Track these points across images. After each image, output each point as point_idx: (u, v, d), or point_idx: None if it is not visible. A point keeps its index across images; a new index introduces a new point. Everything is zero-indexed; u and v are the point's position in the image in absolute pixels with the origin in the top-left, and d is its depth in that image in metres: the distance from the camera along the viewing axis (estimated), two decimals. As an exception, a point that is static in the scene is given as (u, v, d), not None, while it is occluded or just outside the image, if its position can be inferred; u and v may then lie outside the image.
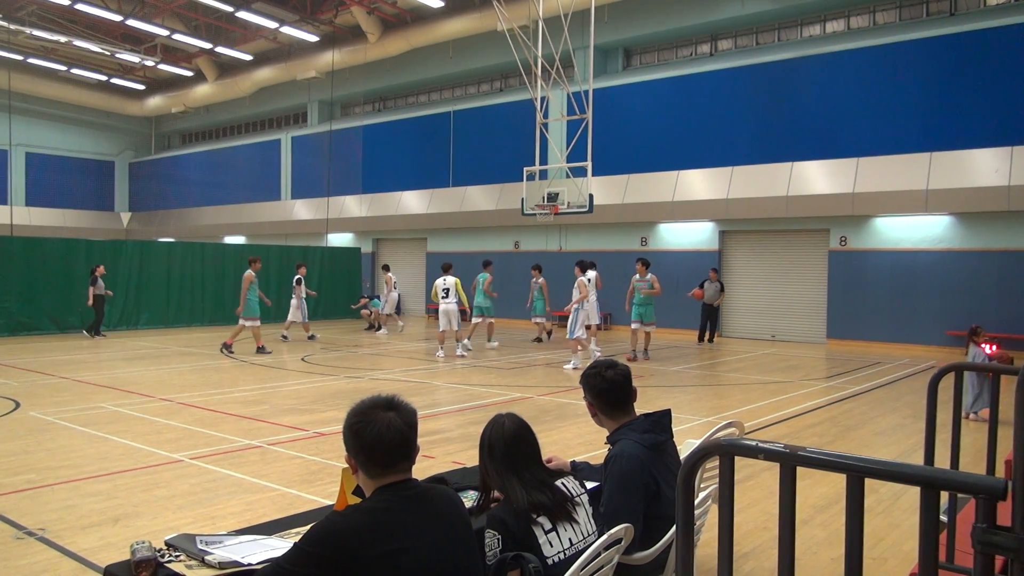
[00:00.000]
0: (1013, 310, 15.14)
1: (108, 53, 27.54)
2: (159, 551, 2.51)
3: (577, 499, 2.77)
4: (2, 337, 16.63)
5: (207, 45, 26.40)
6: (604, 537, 2.52)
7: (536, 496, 2.63)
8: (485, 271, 16.46)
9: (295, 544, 2.06)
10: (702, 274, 17.98)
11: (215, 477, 5.96)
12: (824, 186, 17.14)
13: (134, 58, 28.10)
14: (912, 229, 16.56)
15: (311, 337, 17.17)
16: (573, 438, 7.47)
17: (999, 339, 13.74)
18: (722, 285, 17.71)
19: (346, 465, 2.27)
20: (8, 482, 5.75)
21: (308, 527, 2.13)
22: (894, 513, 5.27)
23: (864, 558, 1.58)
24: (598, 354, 13.01)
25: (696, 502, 2.08)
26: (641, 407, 3.20)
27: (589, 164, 15.36)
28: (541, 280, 16.87)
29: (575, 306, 13.15)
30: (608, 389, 3.15)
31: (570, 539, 2.64)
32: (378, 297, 20.14)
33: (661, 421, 3.14)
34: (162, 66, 29.27)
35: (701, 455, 1.70)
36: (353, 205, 26.86)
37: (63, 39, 25.60)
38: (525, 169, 16.64)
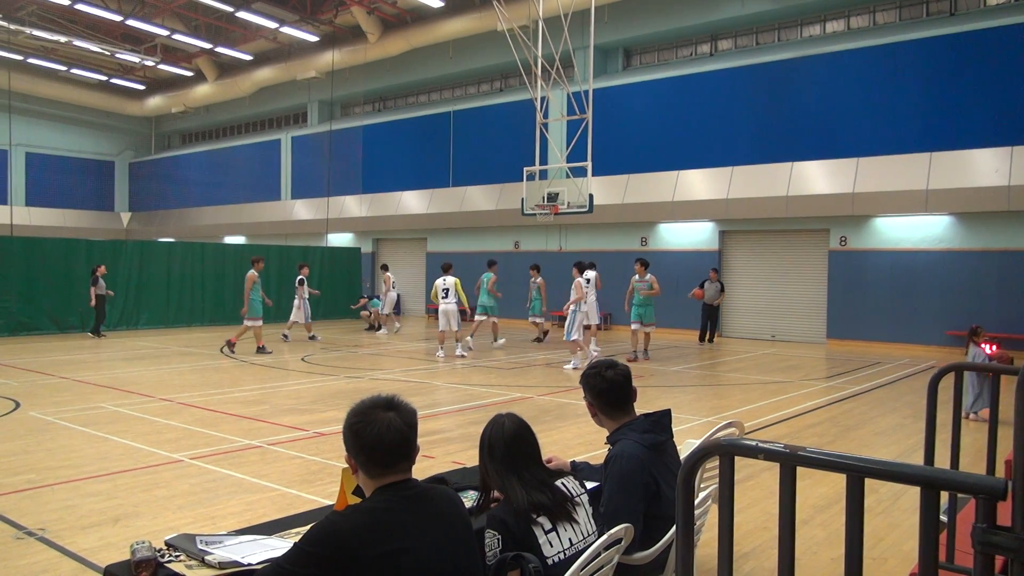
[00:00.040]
0: (1013, 310, 15.14)
1: (108, 53, 27.54)
2: (159, 551, 2.51)
3: (577, 499, 2.77)
4: (2, 337, 16.63)
5: (207, 45, 26.41)
6: (604, 537, 2.51)
7: (536, 496, 2.63)
8: (489, 271, 16.53)
9: (295, 544, 2.06)
10: (702, 274, 17.98)
11: (215, 477, 5.96)
12: (824, 186, 17.15)
13: (134, 58, 28.10)
14: (912, 229, 16.57)
15: (312, 337, 17.17)
16: (573, 438, 7.47)
17: (999, 339, 13.74)
18: (722, 285, 17.71)
19: (346, 465, 2.27)
20: (8, 482, 5.75)
21: (308, 527, 2.13)
22: (894, 513, 5.27)
23: (864, 558, 1.58)
24: (594, 355, 13.00)
25: (696, 502, 2.08)
26: (641, 407, 3.20)
27: (589, 164, 15.36)
28: (539, 280, 16.91)
29: (572, 307, 13.15)
30: (608, 389, 3.15)
31: (570, 539, 2.64)
32: (378, 297, 20.14)
33: (661, 421, 3.15)
34: (162, 66, 29.27)
35: (701, 455, 1.70)
36: (353, 205, 26.86)
37: (63, 39, 25.60)
38: (525, 169, 16.64)
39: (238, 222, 31.23)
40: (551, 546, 2.58)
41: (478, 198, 23.19)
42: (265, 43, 27.46)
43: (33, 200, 33.55)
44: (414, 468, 2.25)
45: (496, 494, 2.84)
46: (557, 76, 16.42)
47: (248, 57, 27.97)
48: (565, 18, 15.53)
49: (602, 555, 2.51)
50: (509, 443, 2.71)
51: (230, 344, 14.64)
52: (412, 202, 25.13)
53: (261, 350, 14.48)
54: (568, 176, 15.95)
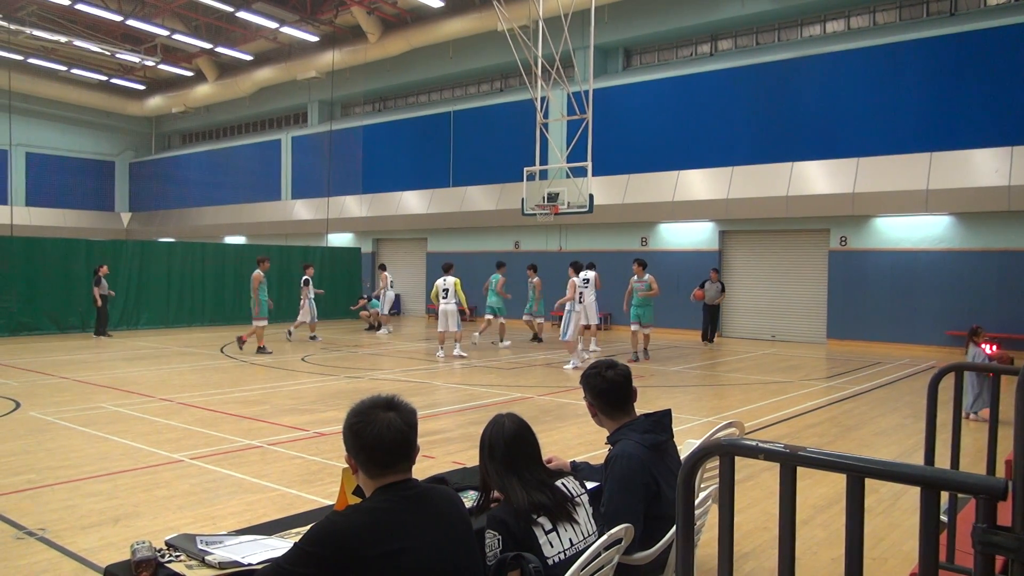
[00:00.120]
0: (1013, 310, 15.14)
1: (108, 53, 27.54)
2: (159, 551, 2.51)
3: (577, 499, 2.77)
4: (2, 337, 16.64)
5: (207, 45, 26.41)
6: (604, 537, 2.52)
7: (536, 496, 2.63)
8: (498, 272, 16.63)
9: (295, 544, 2.06)
10: (702, 274, 17.97)
11: (215, 477, 5.96)
12: (824, 186, 17.14)
13: (134, 58, 28.10)
14: (912, 229, 16.56)
15: (313, 338, 17.18)
16: (573, 438, 7.47)
17: (999, 339, 13.75)
18: (723, 285, 17.71)
19: (346, 465, 2.27)
20: (8, 482, 5.75)
21: (308, 527, 2.13)
22: (894, 513, 5.27)
23: (864, 558, 1.58)
24: (586, 357, 12.99)
25: (696, 502, 2.08)
26: (641, 407, 3.20)
27: (589, 164, 15.36)
28: (536, 280, 16.98)
29: (567, 308, 13.15)
30: (608, 389, 3.15)
31: (570, 539, 2.64)
32: (377, 298, 20.17)
33: (661, 421, 3.15)
34: (162, 66, 29.27)
35: (701, 455, 1.71)
36: (353, 205, 26.86)
37: (63, 39, 25.60)
38: (525, 169, 16.65)
39: (238, 222, 31.23)
40: (551, 546, 2.58)
41: (478, 198, 23.19)
42: (265, 43, 27.46)
43: (33, 200, 33.56)
44: (414, 468, 2.25)
45: (496, 494, 2.84)
46: (557, 76, 16.42)
47: (248, 57, 27.97)
48: (565, 18, 15.53)
49: (602, 555, 2.51)
50: (509, 443, 2.71)
51: (240, 340, 14.68)
52: (412, 202, 25.13)
53: (262, 350, 14.49)
54: (568, 176, 15.95)
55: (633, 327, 14.20)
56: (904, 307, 16.53)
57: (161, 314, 19.82)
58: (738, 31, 20.33)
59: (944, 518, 3.02)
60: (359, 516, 2.08)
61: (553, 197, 15.67)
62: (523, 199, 16.66)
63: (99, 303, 17.07)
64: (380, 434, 2.13)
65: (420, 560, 2.07)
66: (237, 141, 33.21)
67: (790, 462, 1.61)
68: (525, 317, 17.55)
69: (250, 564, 2.43)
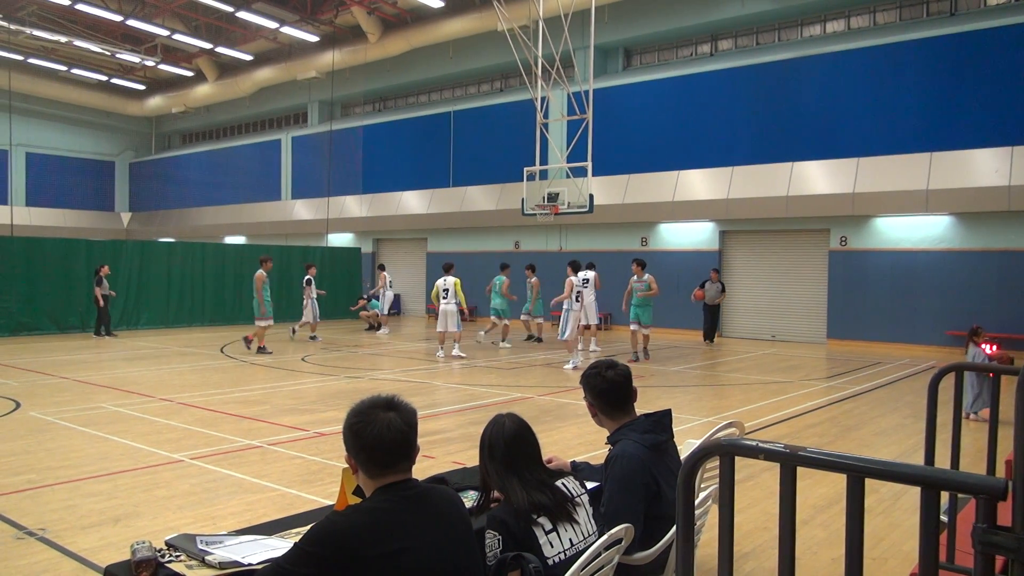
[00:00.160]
0: (1013, 310, 15.13)
1: (108, 53, 27.54)
2: (159, 551, 2.51)
3: (577, 499, 2.77)
4: (2, 337, 16.64)
5: (207, 45, 26.41)
6: (604, 537, 2.51)
7: (536, 496, 2.63)
8: (502, 274, 16.69)
9: (295, 544, 2.06)
10: (703, 274, 17.97)
11: (215, 477, 5.96)
12: (824, 186, 17.14)
13: (134, 58, 28.10)
14: (912, 229, 16.56)
15: (313, 338, 17.18)
16: (573, 438, 7.47)
17: (999, 339, 13.75)
18: (723, 285, 17.70)
19: (346, 465, 2.27)
20: (8, 482, 5.75)
21: (308, 527, 2.13)
22: (894, 513, 5.27)
23: (864, 558, 1.58)
24: (580, 361, 13.00)
25: (696, 502, 2.08)
26: (642, 407, 3.20)
27: (589, 164, 15.36)
28: (534, 280, 17.02)
29: (564, 306, 13.16)
30: (608, 389, 3.15)
31: (570, 539, 2.64)
32: (376, 298, 20.19)
33: (662, 421, 3.15)
34: (162, 66, 29.28)
35: (701, 455, 1.70)
36: (353, 205, 26.86)
37: (63, 39, 25.61)
38: (525, 169, 16.65)
39: (238, 222, 31.23)
40: (551, 546, 2.58)
41: (478, 198, 23.19)
42: (265, 43, 27.46)
43: (33, 200, 33.56)
44: (414, 468, 2.25)
45: (496, 494, 2.84)
46: (557, 76, 16.42)
47: (248, 57, 27.97)
48: (565, 18, 15.53)
49: (602, 555, 2.51)
50: (509, 443, 2.72)
51: (247, 340, 14.68)
52: (412, 202, 25.13)
53: (262, 350, 14.49)
54: (568, 176, 15.96)
55: (632, 327, 14.20)
56: (904, 307, 16.53)
57: (161, 314, 19.82)
58: (738, 31, 20.33)
59: (944, 518, 3.02)
60: (359, 516, 2.08)
61: (553, 197, 15.68)
62: (523, 199, 16.67)
63: (101, 303, 17.09)
64: (380, 434, 2.13)
65: (420, 560, 2.07)
66: (237, 141, 33.21)
67: (790, 462, 1.61)
68: (523, 317, 17.60)
69: (250, 564, 2.43)
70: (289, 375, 11.83)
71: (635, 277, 14.25)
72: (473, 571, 2.25)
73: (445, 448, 7.01)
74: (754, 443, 1.62)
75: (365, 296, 21.37)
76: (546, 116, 16.84)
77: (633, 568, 2.86)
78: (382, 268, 20.34)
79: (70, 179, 35.13)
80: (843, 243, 17.41)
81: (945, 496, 2.77)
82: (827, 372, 13.04)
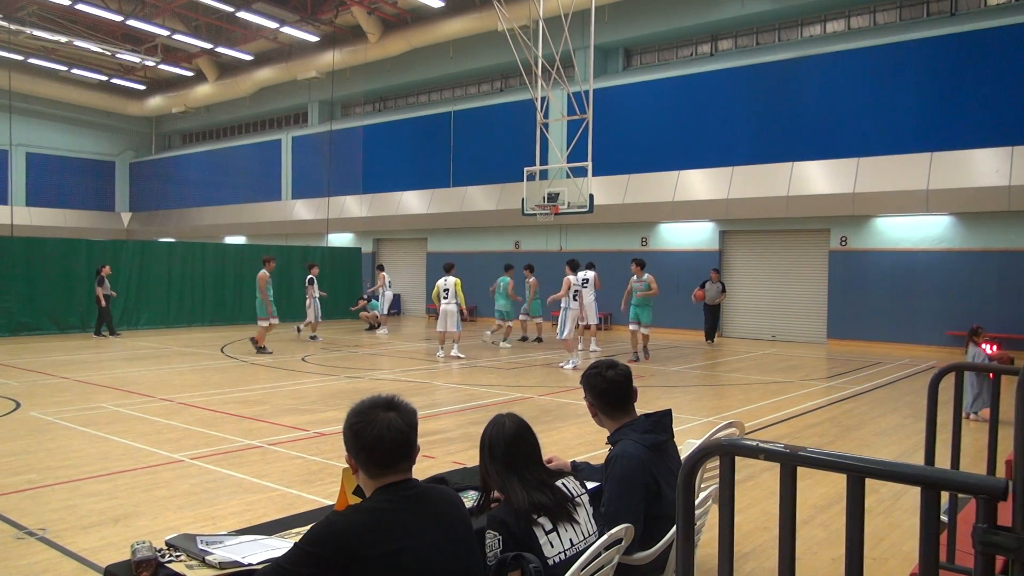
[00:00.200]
0: (1013, 310, 15.13)
1: (108, 53, 27.55)
2: (159, 551, 2.51)
3: (578, 499, 2.77)
4: (3, 337, 16.64)
5: (207, 45, 26.41)
6: (604, 537, 2.51)
7: (537, 496, 2.63)
8: (506, 275, 16.74)
9: (295, 544, 2.06)
10: (703, 274, 17.97)
11: (215, 477, 5.96)
12: (824, 186, 17.14)
13: (134, 58, 28.10)
14: (912, 229, 16.56)
15: (313, 338, 17.18)
16: (573, 438, 7.47)
17: (999, 339, 13.75)
18: (723, 285, 17.70)
19: (346, 465, 2.27)
20: (9, 482, 5.75)
21: (308, 527, 2.13)
22: (894, 513, 5.27)
23: (864, 558, 1.58)
24: (579, 361, 13.01)
25: (696, 502, 2.08)
26: (642, 407, 3.20)
27: (589, 164, 15.36)
28: (532, 280, 17.04)
29: (561, 306, 13.17)
30: (609, 389, 3.15)
31: (571, 539, 2.64)
32: (376, 298, 20.20)
33: (662, 421, 3.14)
34: (162, 66, 29.28)
35: (701, 455, 1.70)
36: (353, 205, 26.87)
37: (63, 39, 25.61)
38: (525, 169, 16.65)
39: (238, 222, 31.24)
40: (552, 546, 2.58)
41: (478, 198, 23.19)
42: (265, 43, 27.47)
43: (33, 200, 33.57)
44: (414, 468, 2.25)
45: (496, 494, 2.84)
46: (557, 76, 16.42)
47: (248, 57, 27.97)
48: (565, 18, 15.53)
49: (602, 555, 2.51)
50: (509, 443, 2.72)
51: (254, 341, 14.67)
52: (412, 202, 25.13)
53: (262, 350, 14.49)
54: (568, 176, 15.96)
55: (631, 327, 14.20)
56: (904, 307, 16.53)
57: (161, 314, 19.83)
58: (738, 31, 20.33)
59: (944, 518, 3.02)
60: (359, 516, 2.08)
61: (553, 197, 15.68)
62: (523, 199, 16.67)
63: (103, 303, 17.10)
64: (380, 434, 2.13)
65: (420, 560, 2.07)
66: (237, 141, 33.21)
67: (790, 462, 1.61)
68: (522, 317, 17.61)
69: (250, 564, 2.43)
70: (289, 375, 11.83)
71: (635, 277, 14.25)
72: (473, 571, 2.25)
73: (445, 448, 7.01)
74: (754, 443, 1.62)
75: (365, 296, 21.37)
76: (546, 116, 16.84)
77: (633, 568, 2.86)
78: (381, 268, 20.36)
79: (70, 179, 35.14)
80: (843, 243, 17.40)
81: (945, 496, 2.77)
82: (827, 372, 13.04)
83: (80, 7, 22.81)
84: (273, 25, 24.03)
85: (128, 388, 10.16)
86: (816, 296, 18.00)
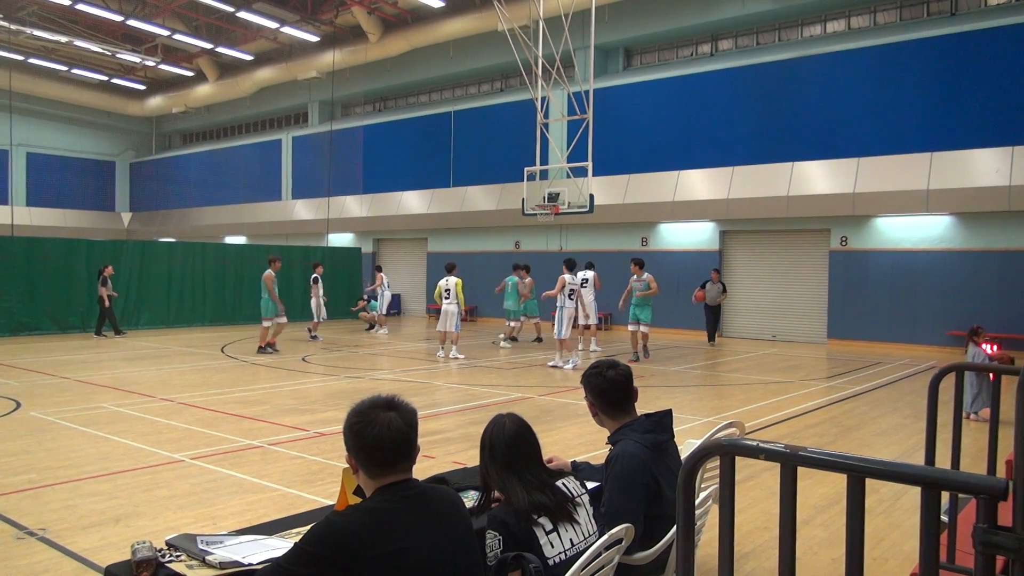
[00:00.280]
0: (1013, 310, 15.13)
1: (109, 53, 27.55)
2: (160, 551, 2.51)
3: (578, 499, 2.77)
4: (3, 337, 16.64)
5: (208, 45, 26.41)
6: (605, 537, 2.51)
7: (537, 497, 2.63)
8: (514, 274, 16.74)
9: (295, 544, 2.06)
10: (703, 274, 17.96)
11: (216, 477, 5.96)
12: (825, 186, 17.14)
13: (135, 58, 28.11)
14: (913, 229, 16.56)
15: (314, 337, 17.19)
16: (574, 438, 7.47)
17: (999, 339, 13.75)
18: (724, 286, 17.69)
19: (347, 465, 2.27)
20: (9, 482, 5.75)
21: (309, 527, 2.13)
22: (895, 513, 5.27)
23: (865, 558, 1.58)
24: (574, 362, 13.00)
25: (697, 502, 2.08)
26: (642, 407, 3.20)
27: (589, 164, 15.36)
28: (528, 280, 17.07)
29: (557, 305, 13.18)
30: (609, 389, 3.15)
31: (571, 539, 2.64)
32: (374, 297, 20.21)
33: (662, 421, 3.14)
34: (163, 66, 29.28)
35: (702, 455, 1.70)
36: (354, 205, 26.87)
37: (64, 39, 25.61)
38: (526, 169, 16.65)
39: (239, 222, 31.24)
40: (552, 547, 2.58)
41: (478, 198, 23.19)
42: (266, 43, 27.47)
43: (34, 200, 33.57)
44: (414, 468, 2.25)
45: (497, 494, 2.84)
46: (557, 76, 16.42)
47: (249, 57, 27.97)
48: (565, 18, 15.52)
49: (603, 555, 2.51)
50: (510, 443, 2.72)
51: (269, 346, 14.63)
52: (413, 202, 25.13)
53: (262, 350, 14.49)
54: (568, 176, 15.96)
55: (631, 327, 14.20)
56: (904, 307, 16.52)
57: (161, 314, 19.83)
58: (738, 31, 20.32)
59: (945, 518, 3.02)
60: (359, 516, 2.08)
61: (553, 197, 15.68)
62: (523, 199, 16.67)
63: (107, 303, 17.10)
64: (380, 434, 2.13)
65: (420, 560, 2.07)
66: (237, 141, 33.21)
67: (790, 462, 1.61)
68: (523, 318, 17.60)
69: (250, 564, 2.43)
70: (289, 375, 11.83)
71: (634, 277, 14.25)
72: (473, 571, 2.25)
73: (445, 448, 7.01)
74: (754, 443, 1.62)
75: (365, 296, 21.38)
76: (546, 116, 16.84)
77: (633, 568, 2.86)
78: (379, 269, 20.39)
79: (70, 179, 35.15)
80: (843, 243, 17.40)
81: (945, 496, 2.77)
82: (827, 372, 13.04)
83: (80, 7, 22.82)
84: (273, 25, 24.03)
85: (128, 388, 10.16)
86: (816, 296, 18.00)
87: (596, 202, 15.89)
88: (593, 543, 2.54)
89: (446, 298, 14.36)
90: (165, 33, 25.20)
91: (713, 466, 3.22)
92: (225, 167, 32.85)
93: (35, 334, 17.26)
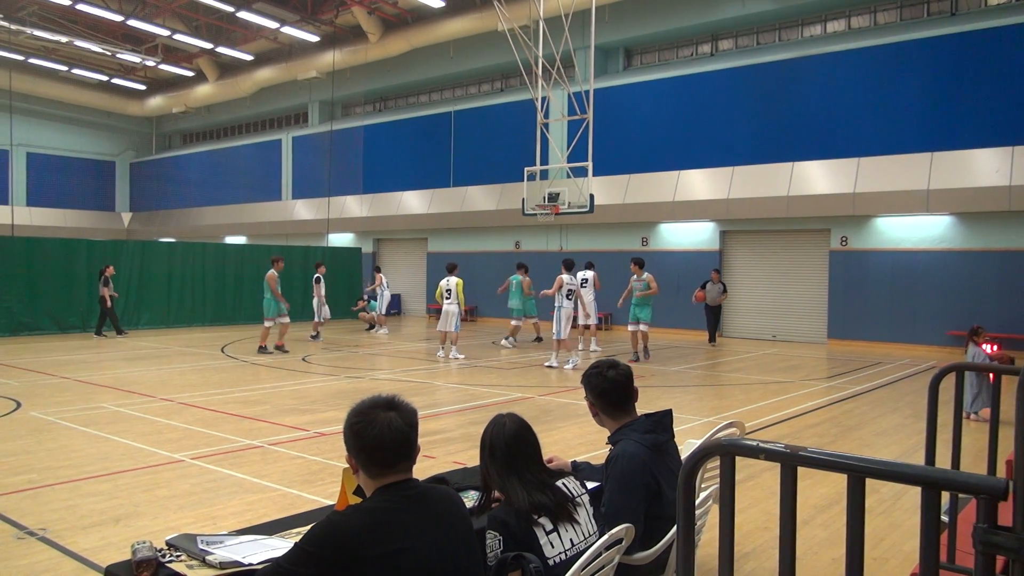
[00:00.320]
0: (1013, 310, 15.13)
1: (109, 53, 27.55)
2: (160, 551, 2.51)
3: (578, 499, 2.77)
4: (3, 337, 16.64)
5: (208, 45, 26.41)
6: (605, 537, 2.51)
7: (537, 497, 2.63)
8: (518, 273, 16.72)
9: (296, 544, 2.06)
10: (703, 274, 17.96)
11: (216, 477, 5.96)
12: (825, 186, 17.14)
13: (135, 58, 28.11)
14: (913, 229, 16.56)
15: (314, 337, 17.19)
16: (574, 438, 7.47)
17: (999, 339, 13.75)
18: (724, 286, 17.69)
19: (347, 465, 2.27)
20: (9, 482, 5.75)
21: (309, 527, 2.13)
22: (895, 513, 5.27)
23: (865, 558, 1.58)
24: (574, 362, 13.00)
25: (697, 502, 2.08)
26: (642, 407, 3.20)
27: (590, 164, 15.36)
28: (526, 279, 17.05)
29: (556, 305, 13.18)
30: (610, 389, 3.15)
31: (571, 540, 2.64)
32: (374, 297, 20.22)
33: (662, 421, 3.14)
34: (163, 66, 29.29)
35: (702, 455, 1.70)
36: (354, 205, 26.87)
37: (64, 39, 25.61)
38: (526, 169, 16.65)
39: (239, 222, 31.24)
40: (552, 547, 2.58)
41: (479, 198, 23.19)
42: (266, 43, 27.47)
43: (34, 200, 33.58)
44: (415, 468, 2.25)
45: (497, 494, 2.84)
46: (558, 76, 16.42)
47: (249, 57, 27.97)
48: (566, 18, 15.52)
49: (603, 555, 2.51)
50: (510, 443, 2.72)
51: (279, 347, 14.61)
52: (413, 202, 25.13)
53: (262, 350, 14.49)
54: (569, 176, 15.96)
55: (631, 327, 14.19)
56: (904, 307, 16.52)
57: (162, 314, 19.83)
58: (738, 31, 20.32)
59: (945, 518, 3.02)
60: (359, 516, 2.08)
61: (553, 197, 15.68)
62: (524, 199, 16.67)
63: (109, 304, 17.10)
64: (381, 434, 2.13)
65: (420, 560, 2.07)
66: (238, 141, 33.21)
67: (791, 462, 1.61)
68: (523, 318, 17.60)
69: (251, 564, 2.43)
70: (290, 375, 11.83)
71: (634, 276, 14.25)
72: (473, 571, 2.25)
73: (445, 448, 7.01)
74: (755, 443, 1.62)
75: (365, 296, 21.39)
76: (546, 116, 16.84)
77: (633, 568, 2.86)
78: (378, 270, 20.40)
79: (71, 179, 35.15)
80: (843, 243, 17.40)
81: (946, 496, 2.77)
82: (828, 372, 13.04)
83: (80, 7, 22.82)
84: (273, 25, 24.03)
85: (129, 388, 10.16)
86: (816, 296, 18.00)
87: (596, 202, 15.89)
88: (593, 543, 2.54)
89: (447, 298, 14.36)
90: (165, 33, 25.20)
91: (713, 466, 3.22)
92: (225, 167, 32.85)
93: (35, 334, 17.27)
